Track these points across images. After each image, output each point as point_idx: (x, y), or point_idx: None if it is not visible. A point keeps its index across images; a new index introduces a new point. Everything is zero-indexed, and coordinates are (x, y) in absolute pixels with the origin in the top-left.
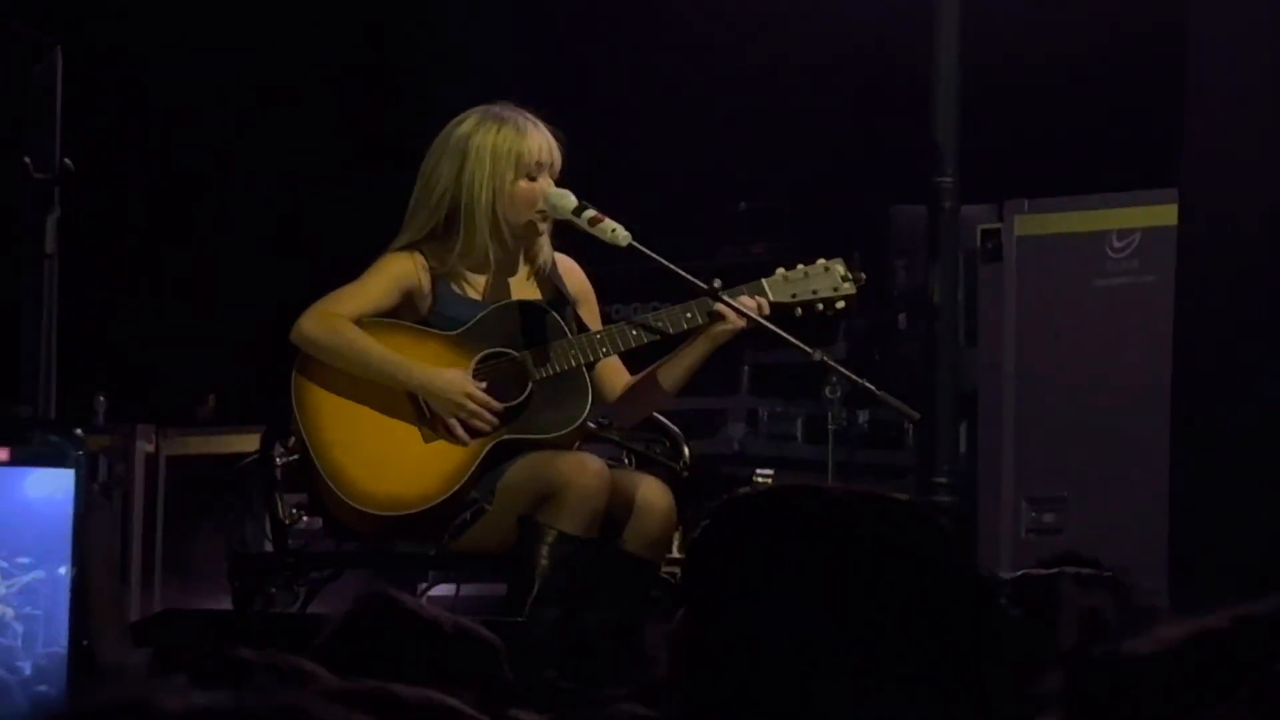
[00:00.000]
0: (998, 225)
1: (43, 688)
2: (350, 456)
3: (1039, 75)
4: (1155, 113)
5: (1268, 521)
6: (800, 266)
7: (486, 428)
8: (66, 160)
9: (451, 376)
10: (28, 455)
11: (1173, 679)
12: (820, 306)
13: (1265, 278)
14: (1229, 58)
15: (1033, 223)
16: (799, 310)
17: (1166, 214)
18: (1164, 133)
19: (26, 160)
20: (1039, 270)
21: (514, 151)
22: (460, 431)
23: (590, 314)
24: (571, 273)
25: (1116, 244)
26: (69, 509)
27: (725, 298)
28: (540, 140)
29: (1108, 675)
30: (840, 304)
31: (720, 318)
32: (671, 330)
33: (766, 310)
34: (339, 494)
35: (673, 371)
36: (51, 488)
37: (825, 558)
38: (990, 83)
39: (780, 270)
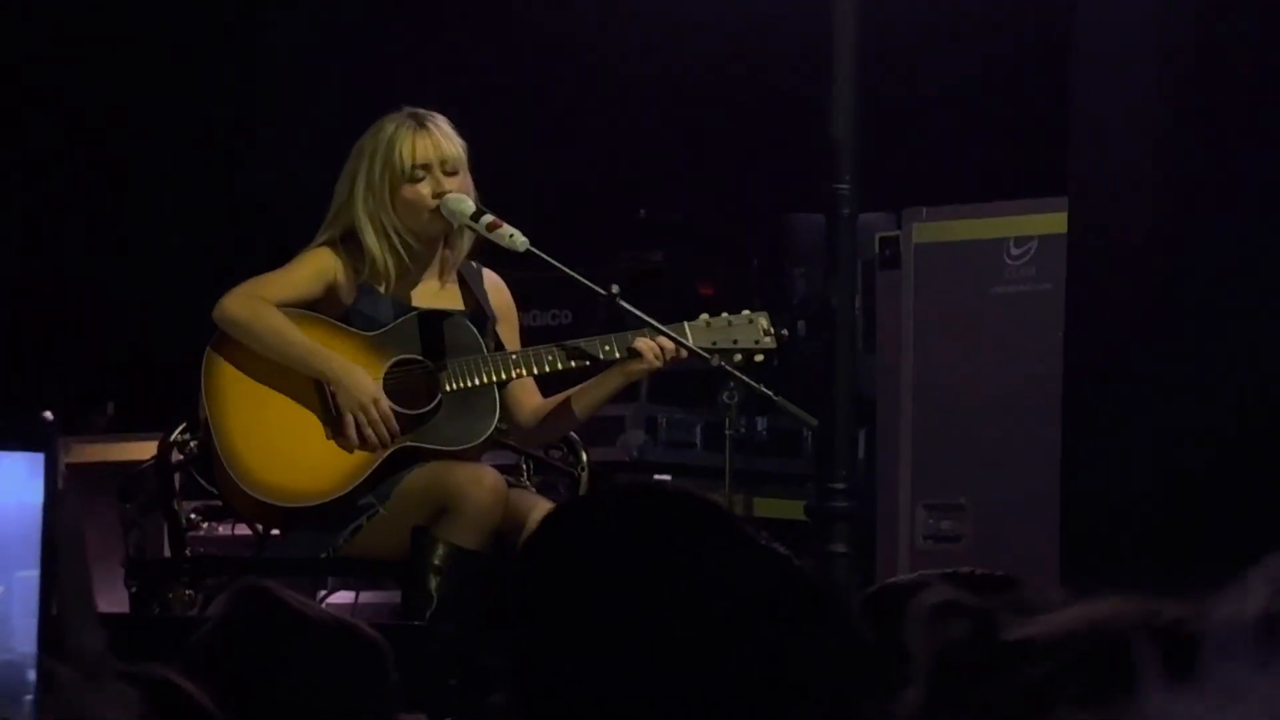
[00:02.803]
0: (896, 233)
1: None
2: (250, 442)
3: (937, 83)
4: (1052, 120)
5: (1159, 521)
6: (725, 315)
7: (377, 444)
8: None
9: (364, 380)
10: None
11: (1053, 667)
12: (738, 356)
13: (1152, 281)
14: (1114, 64)
15: (930, 230)
16: (716, 357)
17: (1063, 222)
18: (1060, 140)
19: None
20: (937, 278)
21: (389, 157)
22: (352, 433)
23: (510, 332)
24: (497, 289)
25: (1014, 251)
26: (35, 506)
27: (661, 329)
28: (423, 141)
29: (983, 665)
30: (758, 357)
31: (637, 354)
32: (588, 361)
33: (684, 356)
34: (233, 477)
35: (584, 401)
36: (11, 483)
37: (635, 571)
38: (888, 90)
39: (704, 316)
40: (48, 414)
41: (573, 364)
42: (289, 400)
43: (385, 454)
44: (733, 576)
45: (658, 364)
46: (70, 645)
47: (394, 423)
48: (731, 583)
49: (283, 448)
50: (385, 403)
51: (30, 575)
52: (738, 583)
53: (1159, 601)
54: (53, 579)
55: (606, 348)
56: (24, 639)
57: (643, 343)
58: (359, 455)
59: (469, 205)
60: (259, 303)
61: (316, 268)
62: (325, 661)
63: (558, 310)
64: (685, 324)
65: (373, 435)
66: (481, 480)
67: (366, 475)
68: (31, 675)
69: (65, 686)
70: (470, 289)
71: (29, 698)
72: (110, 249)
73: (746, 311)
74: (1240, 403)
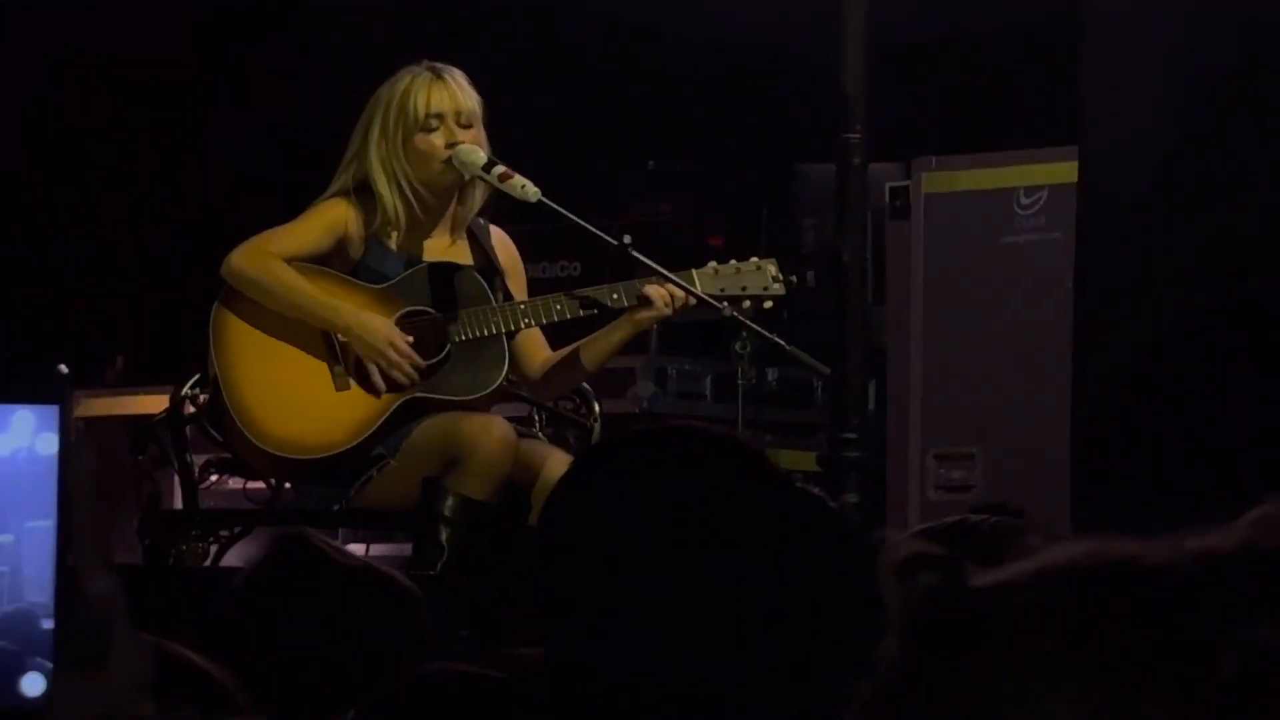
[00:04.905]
0: (905, 183)
1: (1, 643)
2: (260, 395)
3: (947, 32)
4: (1063, 69)
5: (1170, 467)
6: (733, 262)
7: (405, 380)
8: None
9: (378, 323)
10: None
11: (1021, 614)
12: (747, 303)
13: (1161, 229)
14: (1125, 11)
15: (940, 180)
16: (725, 304)
17: (1074, 171)
18: (1071, 89)
19: None
20: (946, 227)
21: (404, 106)
22: (378, 379)
23: (518, 286)
24: (503, 244)
25: (1024, 201)
26: (44, 458)
27: (670, 277)
28: (439, 92)
29: (950, 611)
30: (767, 304)
31: (646, 302)
32: (596, 310)
33: (693, 304)
34: (244, 431)
35: (593, 351)
36: (22, 435)
37: (671, 516)
38: (898, 39)
39: (712, 264)
40: (62, 367)
41: (582, 313)
42: (298, 353)
43: (394, 406)
44: (763, 543)
45: (667, 311)
46: (83, 593)
47: (416, 358)
48: (759, 552)
49: (292, 401)
50: (402, 341)
51: (39, 526)
52: (767, 551)
53: (1140, 543)
54: (68, 531)
55: (615, 296)
56: (35, 589)
57: (653, 289)
58: (368, 407)
59: (481, 156)
60: (267, 257)
61: (327, 220)
62: (364, 609)
63: (566, 261)
64: (693, 271)
65: (400, 376)
66: (491, 430)
67: (376, 427)
68: (45, 624)
69: (82, 633)
70: (479, 244)
71: (45, 646)
72: (120, 200)
73: (755, 258)
74: (1251, 346)
